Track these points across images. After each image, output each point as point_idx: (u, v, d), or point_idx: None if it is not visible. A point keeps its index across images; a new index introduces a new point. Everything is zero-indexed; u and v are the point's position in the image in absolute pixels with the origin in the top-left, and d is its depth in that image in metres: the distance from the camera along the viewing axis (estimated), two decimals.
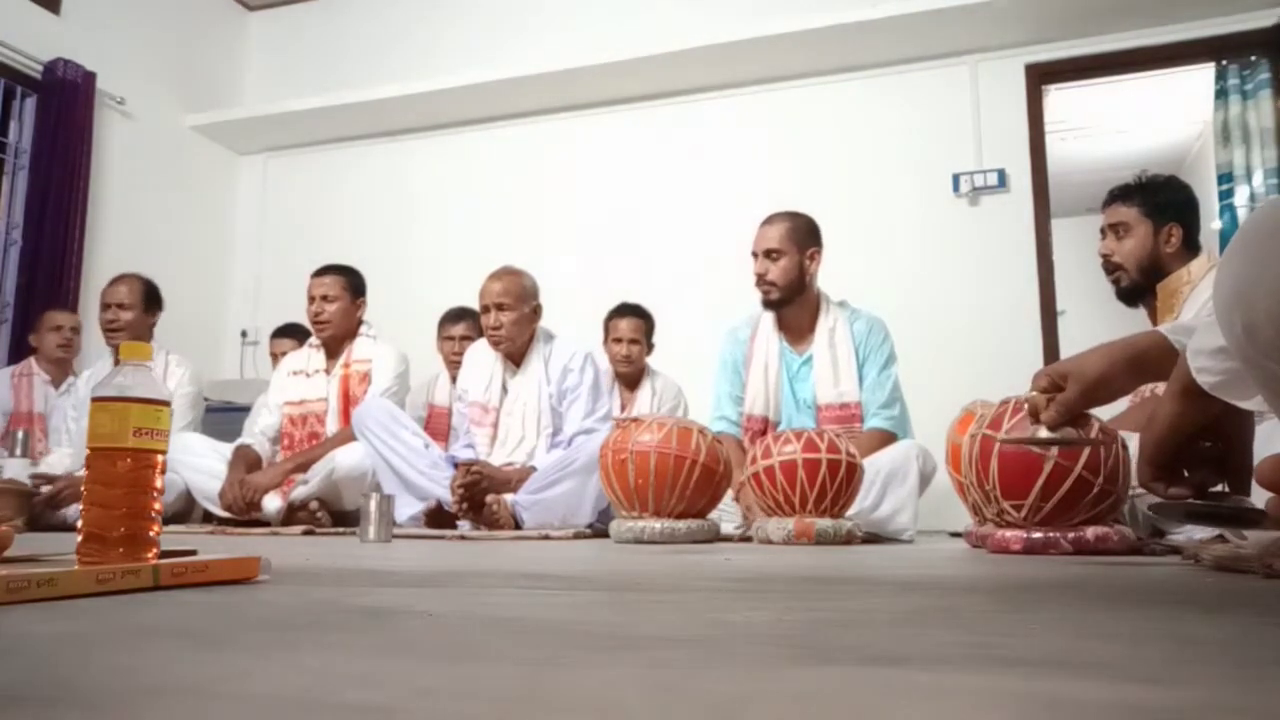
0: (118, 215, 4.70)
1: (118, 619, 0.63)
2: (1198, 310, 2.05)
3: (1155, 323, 2.27)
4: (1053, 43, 4.14)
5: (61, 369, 3.75)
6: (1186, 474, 1.03)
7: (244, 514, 2.98)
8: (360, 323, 3.38)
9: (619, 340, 3.59)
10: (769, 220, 2.78)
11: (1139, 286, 2.31)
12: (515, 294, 2.97)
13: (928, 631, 0.60)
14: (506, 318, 2.96)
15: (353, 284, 3.35)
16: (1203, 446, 1.02)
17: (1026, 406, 1.26)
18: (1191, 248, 2.27)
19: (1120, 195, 2.34)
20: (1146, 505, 1.86)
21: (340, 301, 3.29)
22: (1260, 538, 1.17)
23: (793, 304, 2.74)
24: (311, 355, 3.38)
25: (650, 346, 3.69)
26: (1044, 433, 1.25)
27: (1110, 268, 2.35)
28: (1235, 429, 1.00)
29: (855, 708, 0.35)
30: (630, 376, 3.65)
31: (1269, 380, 0.77)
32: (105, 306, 3.45)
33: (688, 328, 3.93)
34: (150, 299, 3.51)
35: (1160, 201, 2.28)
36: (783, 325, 2.80)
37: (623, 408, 3.60)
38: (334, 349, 3.34)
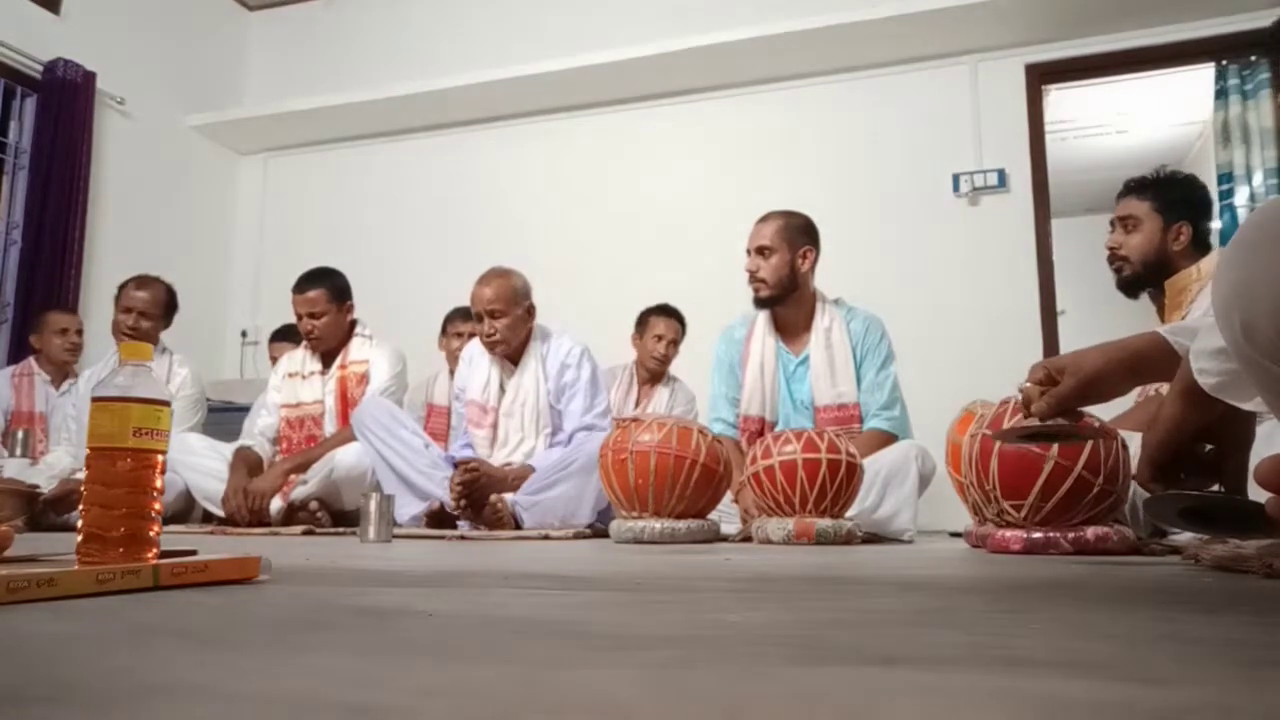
0: (118, 215, 4.70)
1: (118, 619, 0.63)
2: (1206, 308, 2.05)
3: (1163, 320, 2.26)
4: (1053, 43, 4.15)
5: (62, 370, 3.74)
6: (1184, 477, 1.03)
7: (250, 524, 2.90)
8: (353, 324, 3.33)
9: (659, 338, 3.63)
10: (763, 218, 2.77)
11: (1139, 279, 2.31)
12: (507, 298, 2.91)
13: (928, 631, 0.60)
14: (501, 323, 2.90)
15: (336, 290, 3.24)
16: (1200, 450, 1.02)
17: (1020, 398, 1.25)
18: (1200, 247, 2.26)
19: (1134, 189, 2.34)
20: (1142, 501, 1.86)
21: (328, 314, 3.20)
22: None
23: (786, 303, 2.73)
24: (307, 358, 3.32)
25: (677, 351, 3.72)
26: (1035, 425, 1.24)
27: (1114, 259, 2.34)
28: (1234, 432, 1.00)
29: (855, 708, 0.35)
30: (656, 374, 3.67)
31: (1267, 380, 0.77)
32: (127, 310, 3.37)
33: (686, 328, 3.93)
34: (171, 308, 3.49)
35: (1173, 199, 2.27)
36: (778, 325, 2.79)
37: (638, 403, 3.60)
38: (330, 354, 3.30)
